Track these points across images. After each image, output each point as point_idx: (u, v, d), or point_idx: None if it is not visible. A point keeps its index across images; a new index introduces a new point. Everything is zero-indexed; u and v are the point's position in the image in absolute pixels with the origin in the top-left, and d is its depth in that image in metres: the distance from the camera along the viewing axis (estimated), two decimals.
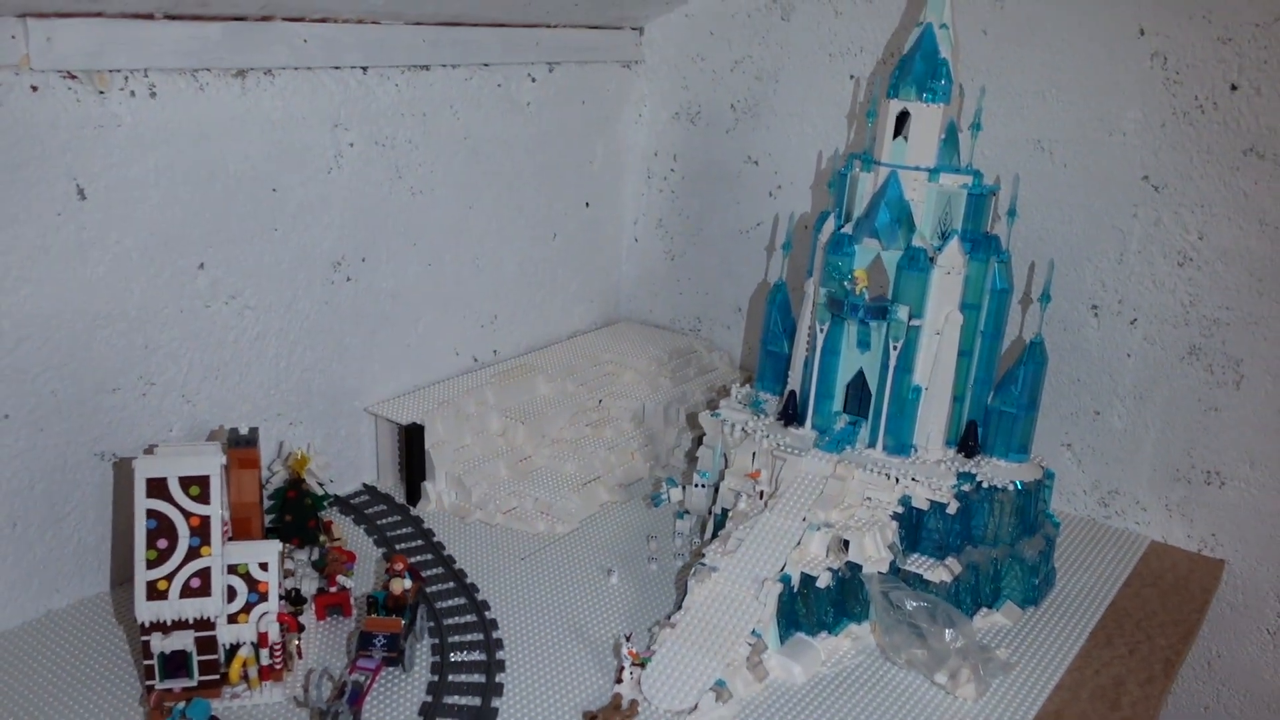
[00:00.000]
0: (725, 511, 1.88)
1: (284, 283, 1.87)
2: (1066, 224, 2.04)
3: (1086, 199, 2.01)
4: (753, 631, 1.58)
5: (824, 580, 1.64)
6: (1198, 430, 1.99)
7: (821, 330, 1.83)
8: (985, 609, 1.77)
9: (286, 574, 1.70)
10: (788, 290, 2.01)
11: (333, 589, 1.68)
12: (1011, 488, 1.76)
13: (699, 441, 2.30)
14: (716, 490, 1.96)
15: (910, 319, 1.75)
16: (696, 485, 1.97)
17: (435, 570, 1.82)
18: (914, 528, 1.75)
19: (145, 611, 1.39)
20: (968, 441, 1.82)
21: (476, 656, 1.59)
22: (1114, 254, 2.01)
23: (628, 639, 1.54)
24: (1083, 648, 1.71)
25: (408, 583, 1.60)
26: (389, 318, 2.08)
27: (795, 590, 1.63)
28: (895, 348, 1.76)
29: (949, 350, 1.78)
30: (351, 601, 1.69)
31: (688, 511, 1.98)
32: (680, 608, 1.64)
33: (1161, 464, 2.04)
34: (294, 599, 1.61)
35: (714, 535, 1.89)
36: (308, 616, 1.65)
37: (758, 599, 1.61)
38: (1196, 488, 2.01)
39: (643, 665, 1.53)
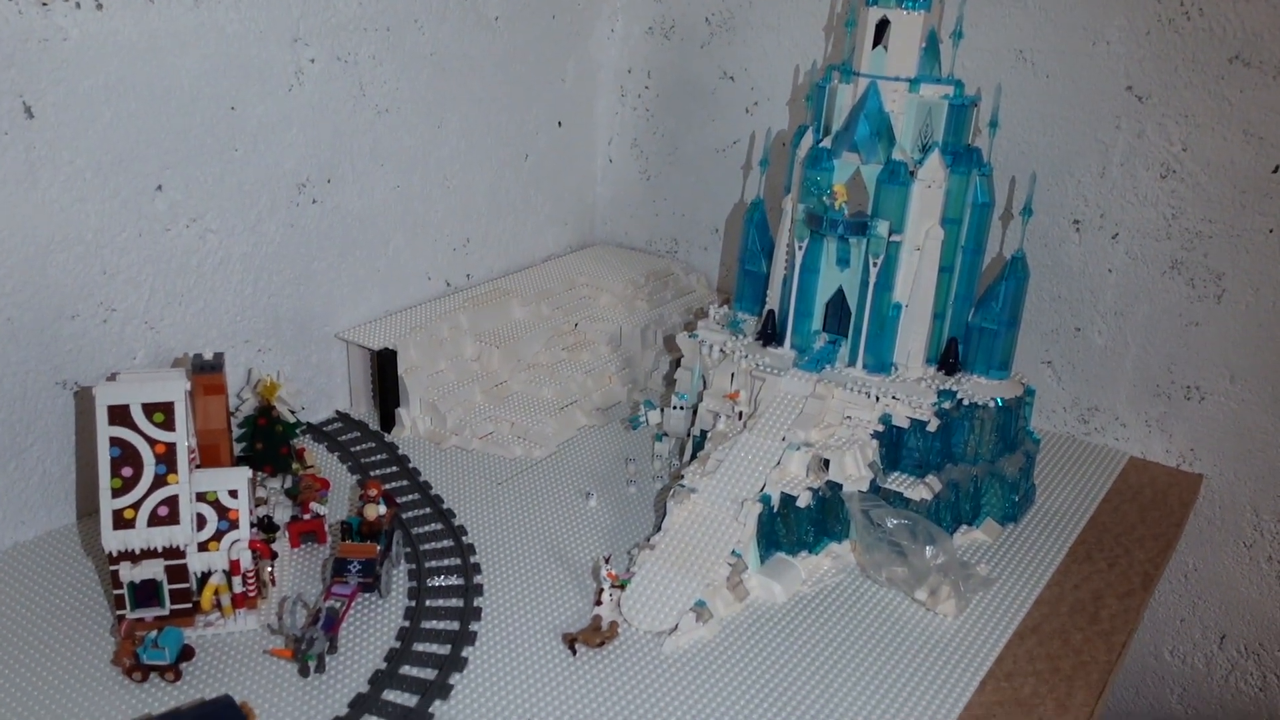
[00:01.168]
0: (704, 433, 1.86)
1: (247, 205, 1.81)
2: (1048, 137, 2.00)
3: (1068, 111, 1.97)
4: (732, 552, 1.56)
5: (804, 500, 1.62)
6: (1178, 345, 1.98)
7: (800, 248, 1.79)
8: (966, 526, 1.77)
9: (259, 502, 1.67)
10: (765, 208, 1.97)
11: (306, 516, 1.65)
12: (992, 405, 1.74)
13: (677, 364, 2.27)
14: (695, 412, 1.94)
15: (890, 235, 1.71)
16: (675, 407, 1.95)
17: (411, 496, 1.79)
18: (894, 446, 1.74)
19: (112, 541, 1.36)
20: (948, 359, 1.80)
21: (454, 581, 1.57)
22: (1096, 167, 1.97)
23: (606, 561, 1.52)
24: (1062, 563, 1.71)
25: (382, 508, 1.58)
26: (357, 241, 2.03)
27: (775, 510, 1.62)
28: (875, 264, 1.73)
29: (929, 267, 1.74)
30: (326, 528, 1.66)
31: (666, 434, 1.96)
32: (659, 529, 1.62)
33: (1141, 380, 2.03)
34: (266, 526, 1.59)
35: (693, 457, 1.87)
36: (281, 544, 1.62)
37: (737, 519, 1.59)
38: (1176, 403, 2.01)
39: (622, 587, 1.52)
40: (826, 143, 1.76)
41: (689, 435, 1.91)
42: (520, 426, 1.98)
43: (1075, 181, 1.99)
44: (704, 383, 1.95)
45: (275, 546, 1.58)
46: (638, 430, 1.98)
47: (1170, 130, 1.89)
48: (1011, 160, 2.02)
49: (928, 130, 1.72)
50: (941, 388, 1.75)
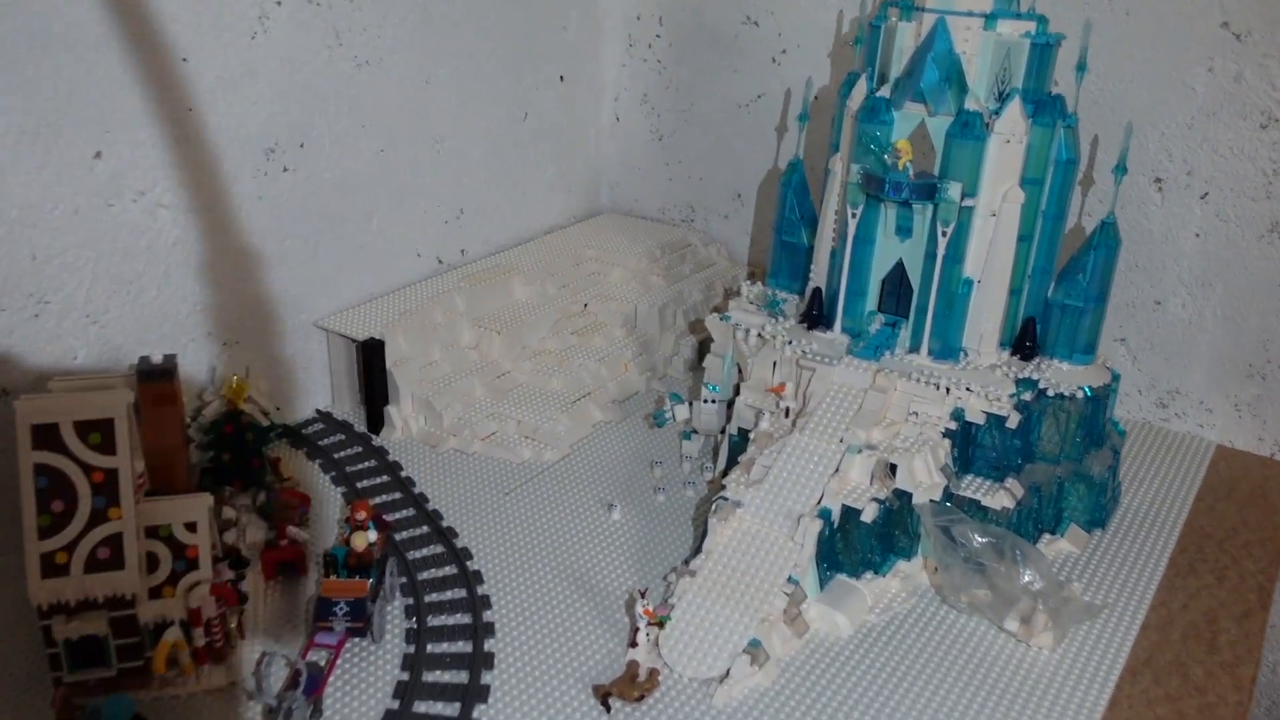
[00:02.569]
0: (743, 432, 1.61)
1: (205, 174, 1.54)
2: (1126, 84, 1.75)
3: (1152, 53, 1.71)
4: (788, 578, 1.32)
5: (869, 514, 1.38)
6: (1274, 319, 1.74)
7: (853, 215, 1.54)
8: (1049, 535, 1.53)
9: (224, 527, 1.42)
10: (805, 170, 1.71)
11: (283, 542, 1.40)
12: (1080, 394, 1.50)
13: (701, 348, 2.03)
14: (729, 406, 1.69)
15: (963, 199, 1.46)
16: (705, 401, 1.70)
17: (405, 513, 1.55)
18: (966, 444, 1.50)
19: (42, 591, 1.11)
20: (1025, 342, 1.56)
21: (460, 619, 1.33)
22: (1183, 117, 1.72)
23: (642, 595, 1.28)
24: (1164, 577, 1.47)
25: (373, 535, 1.33)
26: (336, 215, 1.76)
27: (835, 526, 1.38)
28: (944, 234, 1.47)
29: (1007, 235, 1.49)
30: (307, 556, 1.41)
31: (695, 431, 1.72)
32: (700, 552, 1.38)
33: (1230, 359, 1.79)
34: (235, 562, 1.34)
35: (730, 460, 1.62)
36: (254, 578, 1.37)
37: (793, 539, 1.35)
38: (1272, 384, 1.77)
39: (661, 625, 1.28)
40: (885, 92, 1.50)
41: (723, 433, 1.66)
42: (528, 425, 1.73)
43: (1158, 134, 1.74)
44: (739, 372, 1.70)
45: (247, 583, 1.33)
46: (663, 427, 1.73)
47: (1274, 72, 1.63)
48: (1083, 110, 1.76)
49: (1005, 75, 1.47)
50: (1020, 376, 1.51)
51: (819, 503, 1.39)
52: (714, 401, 1.70)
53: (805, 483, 1.41)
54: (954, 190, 1.45)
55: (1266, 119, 1.66)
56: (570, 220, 2.30)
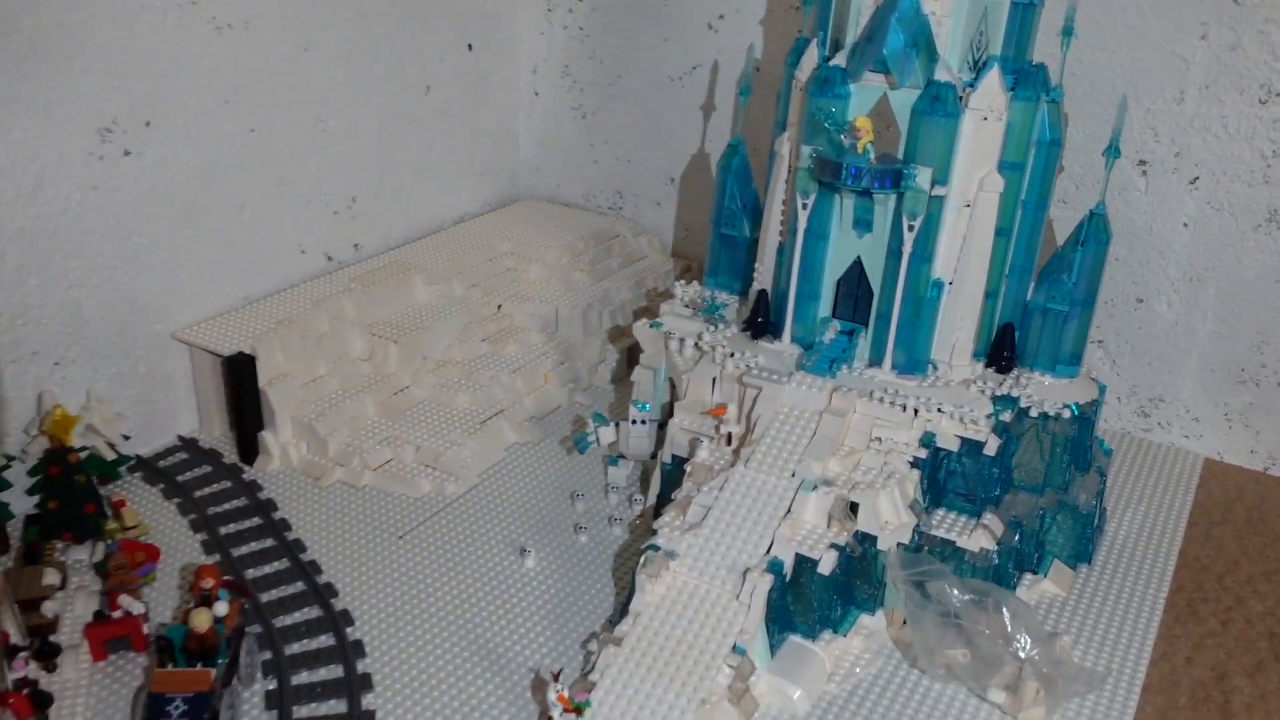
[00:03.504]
0: (677, 460, 1.38)
1: (21, 159, 1.27)
2: (1108, 54, 1.54)
3: (1138, 18, 1.51)
4: (734, 647, 1.10)
5: (828, 564, 1.16)
6: (1271, 320, 1.55)
7: (804, 206, 1.31)
8: (1029, 574, 1.32)
9: (42, 596, 1.16)
10: (746, 151, 1.48)
11: (115, 614, 1.14)
12: (1067, 413, 1.29)
13: (630, 355, 1.79)
14: (661, 428, 1.46)
15: (932, 186, 1.24)
16: (634, 421, 1.46)
17: (275, 565, 1.29)
18: (934, 474, 1.29)
19: None
20: (1001, 352, 1.34)
21: (333, 707, 1.08)
22: (1171, 91, 1.52)
23: (555, 678, 1.04)
24: (1162, 623, 1.28)
25: (222, 608, 1.07)
26: (196, 206, 1.49)
27: (787, 579, 1.16)
28: (911, 228, 1.25)
29: (983, 229, 1.28)
30: (145, 631, 1.15)
31: (622, 456, 1.48)
32: (626, 612, 1.15)
33: (1221, 363, 1.60)
34: (41, 649, 1.07)
35: (664, 491, 1.39)
36: (73, 663, 1.11)
37: (738, 598, 1.13)
38: (1266, 391, 1.58)
39: (579, 711, 1.04)
40: (840, 60, 1.27)
41: (656, 460, 1.42)
42: (428, 451, 1.48)
43: (1143, 110, 1.54)
44: (672, 388, 1.47)
45: (68, 668, 1.07)
46: (585, 453, 1.49)
47: (1276, 40, 1.44)
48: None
49: (982, 40, 1.25)
50: (997, 392, 1.29)
51: (768, 552, 1.16)
52: (644, 422, 1.46)
53: (751, 527, 1.19)
54: (923, 177, 1.23)
55: (1266, 93, 1.46)
56: (482, 209, 2.04)
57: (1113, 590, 1.33)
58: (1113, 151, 1.28)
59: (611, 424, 1.47)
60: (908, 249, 1.26)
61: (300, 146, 1.63)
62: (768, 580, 1.12)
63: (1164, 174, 1.56)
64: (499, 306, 1.77)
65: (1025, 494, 1.32)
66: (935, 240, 1.27)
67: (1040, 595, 1.31)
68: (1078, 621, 1.27)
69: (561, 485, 1.49)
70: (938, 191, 1.24)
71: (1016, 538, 1.28)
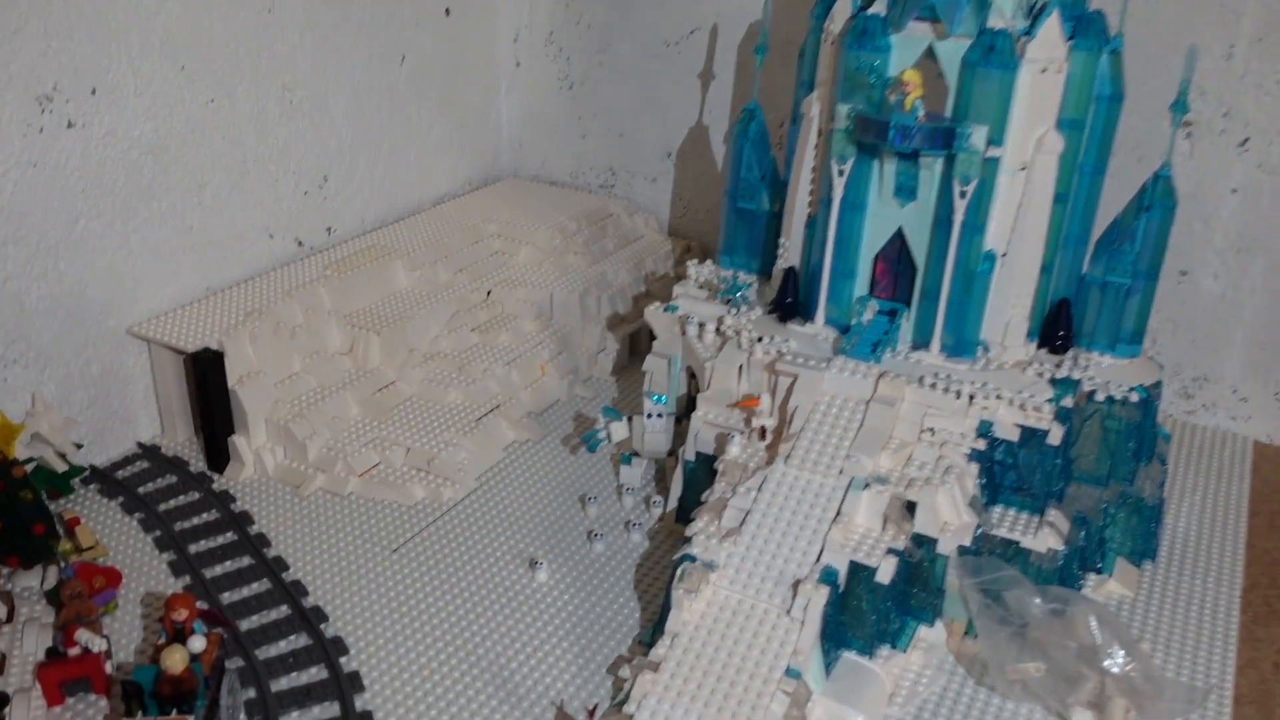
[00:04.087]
0: (702, 458, 1.24)
1: None
2: (1151, 5, 1.42)
3: None
4: (787, 670, 0.97)
5: (887, 571, 1.03)
6: None
7: (840, 173, 1.18)
8: (1093, 575, 1.21)
9: None
10: (764, 116, 1.34)
11: (71, 651, 0.98)
12: (1134, 398, 1.17)
13: (633, 343, 1.66)
14: (679, 422, 1.33)
15: (987, 147, 1.11)
16: (649, 415, 1.32)
17: (253, 587, 1.14)
18: (989, 466, 1.16)
19: None
20: (1057, 331, 1.22)
21: None
22: (1220, 45, 1.41)
23: (591, 716, 0.90)
24: (1240, 624, 1.17)
25: (198, 644, 0.92)
26: (153, 186, 1.33)
27: (840, 589, 1.03)
28: (963, 194, 1.12)
29: (1041, 194, 1.16)
30: (106, 670, 1.00)
31: (636, 454, 1.34)
32: (662, 630, 1.01)
33: (1270, 339, 1.50)
34: None
35: (685, 494, 1.26)
36: (24, 711, 0.95)
37: (789, 614, 0.99)
38: None
39: None
40: (879, 8, 1.13)
41: (677, 458, 1.29)
42: (420, 453, 1.33)
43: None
44: (690, 377, 1.33)
45: (21, 712, 0.92)
46: (595, 451, 1.34)
47: None
48: None
49: None
50: (1056, 375, 1.17)
51: (818, 560, 1.03)
52: (660, 416, 1.32)
53: (798, 533, 1.05)
54: (977, 136, 1.10)
55: None
56: (464, 188, 1.89)
57: (1183, 589, 1.21)
58: (1180, 107, 1.16)
59: (624, 419, 1.33)
60: (959, 218, 1.14)
61: (265, 119, 1.47)
62: (823, 593, 0.99)
63: (1210, 136, 1.45)
64: (488, 293, 1.62)
65: (1088, 486, 1.20)
66: (989, 208, 1.14)
67: (1107, 597, 1.19)
68: (1152, 625, 1.15)
69: (569, 487, 1.35)
70: (992, 153, 1.11)
71: (1081, 535, 1.16)
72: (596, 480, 1.36)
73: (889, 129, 1.09)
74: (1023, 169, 1.15)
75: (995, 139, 1.11)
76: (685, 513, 1.26)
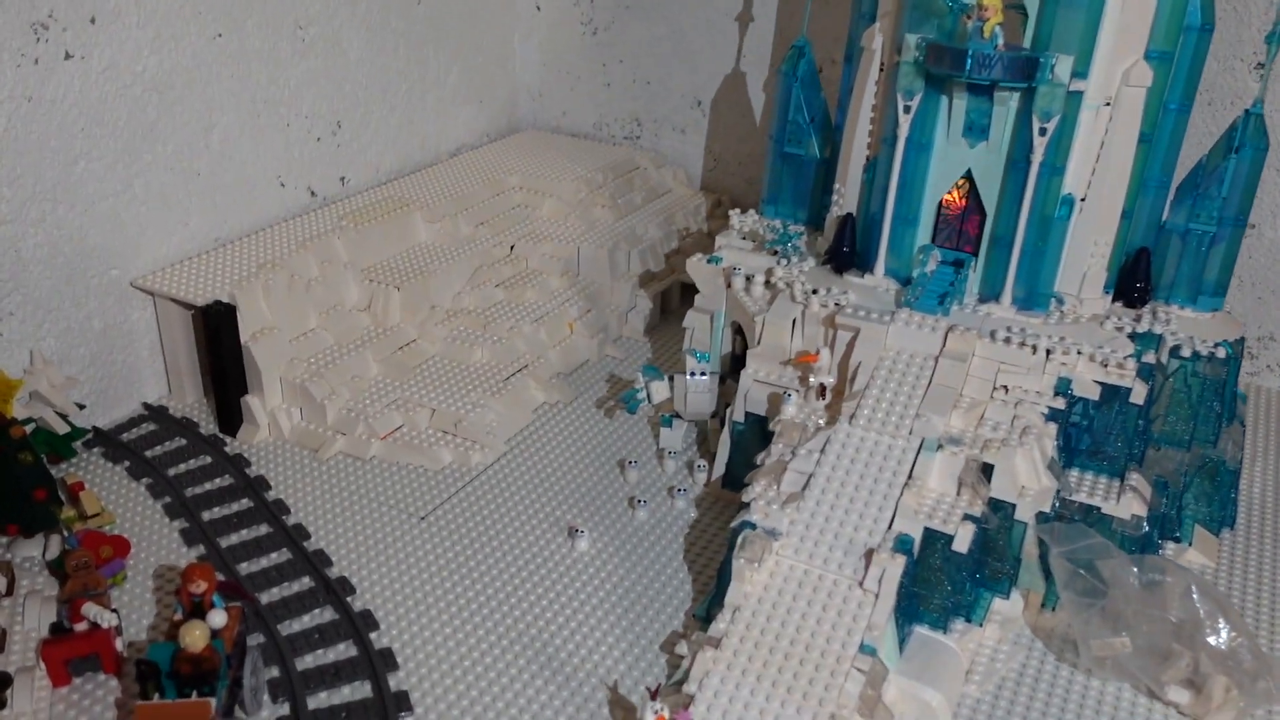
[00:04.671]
0: (752, 419, 1.16)
1: None
2: None
3: None
4: (861, 645, 0.88)
5: (964, 539, 0.95)
6: None
7: (906, 110, 1.09)
8: (1171, 544, 1.13)
9: None
10: (813, 54, 1.25)
11: (78, 626, 0.90)
12: (1220, 354, 1.09)
13: (664, 301, 1.57)
14: (723, 382, 1.24)
15: (1071, 80, 1.02)
16: (692, 374, 1.23)
17: (272, 558, 1.06)
18: (1064, 428, 1.08)
19: None
20: (1135, 283, 1.14)
21: None
22: None
23: (653, 695, 0.82)
24: None
25: (219, 618, 0.84)
26: (156, 125, 1.23)
27: (914, 558, 0.95)
28: (1043, 131, 1.03)
29: (1126, 132, 1.07)
30: (117, 644, 0.91)
31: (677, 416, 1.25)
32: (721, 607, 0.93)
33: None
34: None
35: (734, 458, 1.18)
36: (28, 691, 0.87)
37: (861, 585, 0.91)
38: None
39: None
40: None
41: (723, 419, 1.20)
42: (446, 415, 1.25)
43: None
44: (735, 334, 1.24)
45: (23, 699, 0.83)
46: (635, 413, 1.26)
47: None
48: None
49: None
50: (1136, 329, 1.09)
51: (890, 527, 0.95)
52: (703, 375, 1.23)
53: (867, 498, 0.97)
54: (1062, 67, 1.01)
55: None
56: (480, 140, 1.79)
57: (1265, 559, 1.13)
58: (1275, 39, 1.07)
59: (665, 378, 1.24)
60: (1037, 157, 1.05)
61: (276, 58, 1.37)
62: (899, 562, 0.91)
63: None
64: (511, 248, 1.53)
65: (1167, 449, 1.12)
66: (1069, 147, 1.05)
67: (1187, 567, 1.11)
68: (1237, 599, 1.07)
69: (606, 452, 1.26)
70: (1076, 86, 1.02)
71: (1163, 501, 1.08)
72: (635, 444, 1.28)
73: (966, 58, 1.00)
74: (1107, 104, 1.06)
75: (1080, 71, 1.02)
76: (733, 478, 1.18)
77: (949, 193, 1.12)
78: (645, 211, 1.65)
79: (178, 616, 0.85)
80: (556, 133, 1.86)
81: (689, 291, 1.58)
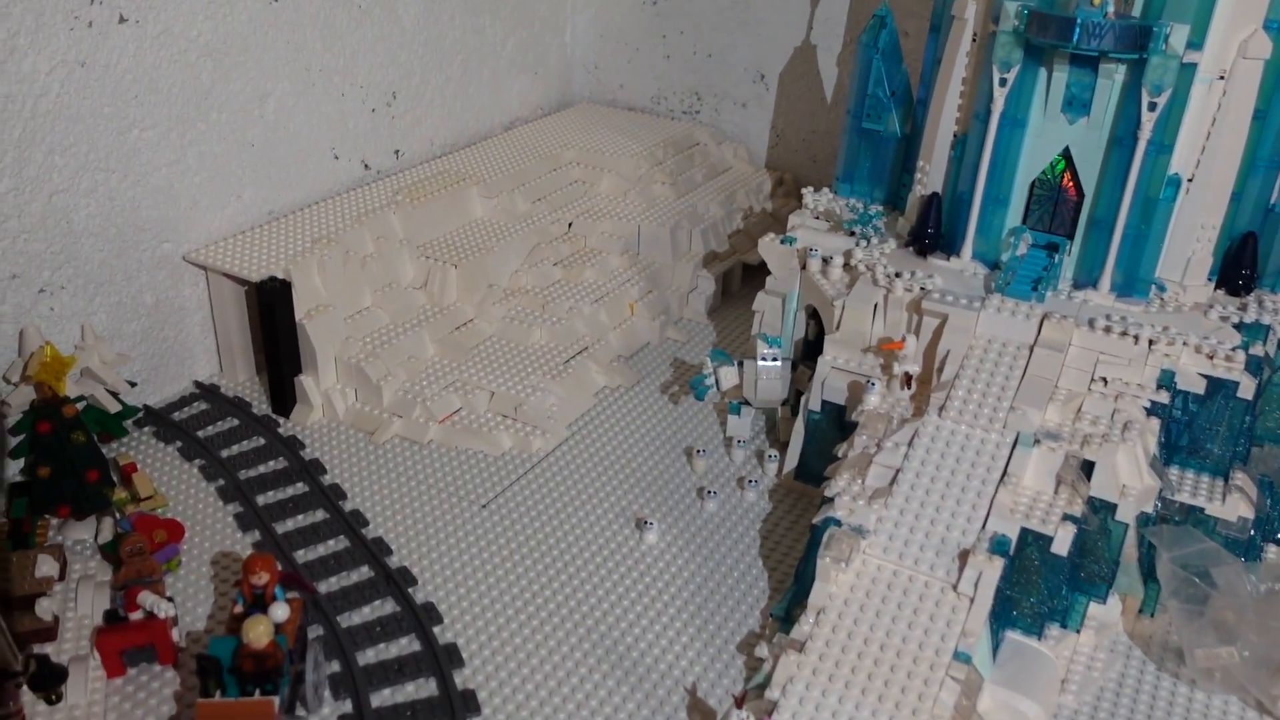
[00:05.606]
0: (829, 408, 1.10)
1: None
2: None
3: None
4: (955, 653, 0.83)
5: (1064, 541, 0.89)
6: None
7: (1002, 83, 1.02)
8: (1274, 545, 1.06)
9: (35, 592, 0.88)
10: (895, 24, 1.19)
11: (133, 615, 0.86)
12: None
13: (727, 282, 1.52)
14: (794, 368, 1.19)
15: (1185, 51, 0.95)
16: (764, 359, 1.17)
17: (330, 546, 1.02)
18: (1166, 424, 1.02)
19: None
20: (1239, 269, 1.07)
21: None
22: None
23: (740, 703, 0.78)
24: None
25: (281, 612, 0.80)
26: (212, 94, 1.19)
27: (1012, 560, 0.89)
28: (1153, 106, 0.97)
29: (1240, 109, 1.00)
30: (174, 637, 0.88)
31: (745, 403, 1.20)
32: (804, 608, 0.88)
33: None
34: (41, 673, 0.79)
35: (809, 449, 1.12)
36: (82, 683, 0.83)
37: (956, 589, 0.86)
38: None
39: None
40: None
41: (799, 408, 1.15)
42: (505, 398, 1.20)
43: None
44: (810, 319, 1.19)
45: (79, 690, 0.80)
46: (703, 399, 1.20)
47: None
48: None
49: None
50: (1241, 318, 1.02)
51: (984, 526, 0.89)
52: (775, 360, 1.18)
53: (960, 495, 0.92)
54: (1177, 37, 0.94)
55: None
56: (535, 114, 1.74)
57: None
58: None
59: (735, 363, 1.19)
60: (1145, 134, 0.98)
61: (333, 25, 1.32)
62: (996, 565, 0.86)
63: None
64: (569, 225, 1.48)
65: (1272, 446, 1.05)
66: (1179, 123, 0.98)
67: None
68: None
69: (671, 439, 1.21)
70: (1190, 57, 0.96)
71: (1268, 502, 1.02)
72: (700, 431, 1.23)
73: (1074, 27, 0.94)
74: (1221, 77, 0.99)
75: (1195, 41, 0.95)
76: (807, 469, 1.13)
77: (1062, 176, 1.05)
78: (706, 189, 1.59)
79: (238, 609, 0.81)
80: (613, 106, 1.80)
81: (751, 273, 1.54)
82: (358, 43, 1.36)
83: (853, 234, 1.17)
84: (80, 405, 1.04)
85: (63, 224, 1.07)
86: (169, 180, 1.17)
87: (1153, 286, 1.05)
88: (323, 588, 0.96)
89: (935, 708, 0.81)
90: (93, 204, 1.10)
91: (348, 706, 0.85)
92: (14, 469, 1.03)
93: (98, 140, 1.08)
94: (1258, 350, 1.00)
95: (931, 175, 1.13)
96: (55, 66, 1.02)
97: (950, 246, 1.11)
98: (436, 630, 0.92)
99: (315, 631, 0.91)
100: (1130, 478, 0.94)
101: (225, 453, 1.14)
